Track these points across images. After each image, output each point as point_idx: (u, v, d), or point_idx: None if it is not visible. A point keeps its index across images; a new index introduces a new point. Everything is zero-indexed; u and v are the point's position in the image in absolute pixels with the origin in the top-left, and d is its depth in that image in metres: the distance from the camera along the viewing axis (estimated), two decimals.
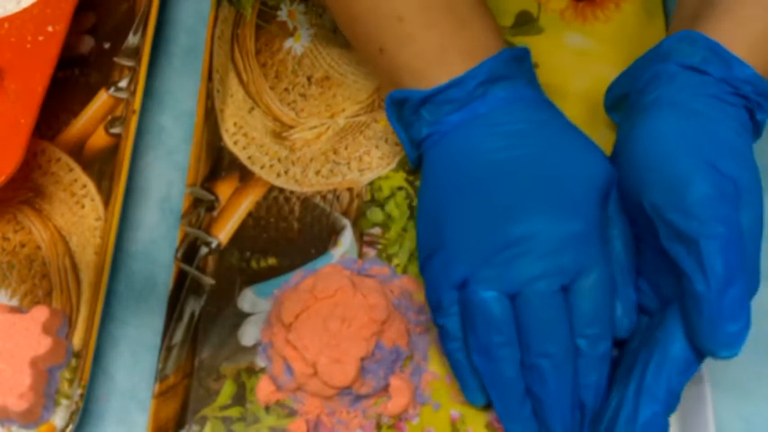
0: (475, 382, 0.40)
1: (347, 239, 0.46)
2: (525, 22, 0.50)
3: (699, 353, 0.36)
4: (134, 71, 0.49)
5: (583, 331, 0.37)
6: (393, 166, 0.47)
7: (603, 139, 0.46)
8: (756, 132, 0.40)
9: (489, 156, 0.40)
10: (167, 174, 0.48)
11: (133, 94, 0.47)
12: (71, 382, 0.42)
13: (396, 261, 0.45)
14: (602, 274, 0.38)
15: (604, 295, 0.38)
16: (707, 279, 0.34)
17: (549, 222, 0.38)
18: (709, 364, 0.40)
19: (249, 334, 0.44)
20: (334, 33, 0.51)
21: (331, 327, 0.41)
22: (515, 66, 0.41)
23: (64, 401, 0.42)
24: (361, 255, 0.45)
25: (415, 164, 0.44)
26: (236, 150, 0.48)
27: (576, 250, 0.37)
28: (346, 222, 0.46)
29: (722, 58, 0.38)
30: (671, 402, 0.36)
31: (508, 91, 0.40)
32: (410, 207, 0.46)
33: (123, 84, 0.49)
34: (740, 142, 0.37)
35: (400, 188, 0.47)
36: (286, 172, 0.47)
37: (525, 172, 0.39)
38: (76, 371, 0.42)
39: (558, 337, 0.37)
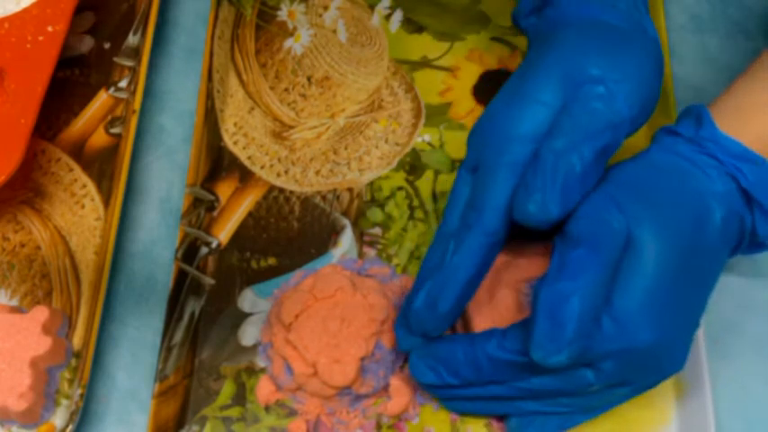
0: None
1: (347, 239, 0.46)
2: None
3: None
4: (134, 71, 0.49)
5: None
6: (393, 166, 0.47)
7: None
8: (747, 200, 0.37)
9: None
10: (167, 174, 0.48)
11: (133, 94, 0.47)
12: (71, 382, 0.42)
13: (396, 261, 0.45)
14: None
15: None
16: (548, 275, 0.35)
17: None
18: (710, 363, 0.40)
19: (249, 334, 0.44)
20: (333, 33, 0.51)
21: (331, 327, 0.41)
22: None
23: (64, 401, 0.42)
24: (361, 255, 0.45)
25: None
26: (236, 150, 0.48)
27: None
28: (346, 222, 0.46)
29: (697, 120, 0.38)
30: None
31: None
32: (410, 207, 0.46)
33: (123, 84, 0.49)
34: (671, 196, 0.36)
35: (400, 188, 0.47)
36: (286, 172, 0.47)
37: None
38: (76, 371, 0.42)
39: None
